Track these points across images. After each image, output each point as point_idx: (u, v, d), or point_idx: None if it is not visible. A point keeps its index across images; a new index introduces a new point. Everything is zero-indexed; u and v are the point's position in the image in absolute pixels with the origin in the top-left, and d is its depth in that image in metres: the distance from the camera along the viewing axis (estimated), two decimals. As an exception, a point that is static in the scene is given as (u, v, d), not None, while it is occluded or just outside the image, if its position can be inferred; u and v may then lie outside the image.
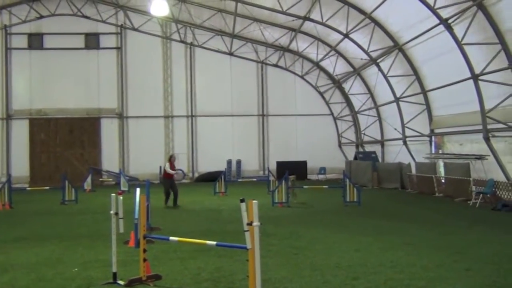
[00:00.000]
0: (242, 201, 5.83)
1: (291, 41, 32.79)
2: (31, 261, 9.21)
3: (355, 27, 25.62)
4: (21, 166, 33.87)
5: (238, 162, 35.50)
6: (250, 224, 5.83)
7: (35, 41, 34.75)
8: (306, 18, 27.81)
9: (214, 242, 6.93)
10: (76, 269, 8.46)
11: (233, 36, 34.24)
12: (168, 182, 19.01)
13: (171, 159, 19.57)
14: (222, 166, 33.40)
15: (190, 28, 34.93)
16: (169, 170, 18.94)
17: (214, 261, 8.89)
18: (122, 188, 25.45)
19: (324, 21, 26.94)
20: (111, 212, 7.72)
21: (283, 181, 18.71)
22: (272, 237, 11.21)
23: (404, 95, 25.72)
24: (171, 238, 7.52)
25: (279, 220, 14.37)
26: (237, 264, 8.48)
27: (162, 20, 34.69)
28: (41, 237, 12.08)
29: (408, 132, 26.15)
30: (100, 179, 32.81)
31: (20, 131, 34.36)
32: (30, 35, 34.71)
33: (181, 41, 35.59)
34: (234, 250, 8.86)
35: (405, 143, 26.51)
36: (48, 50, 34.69)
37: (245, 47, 35.26)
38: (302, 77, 35.99)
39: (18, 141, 34.27)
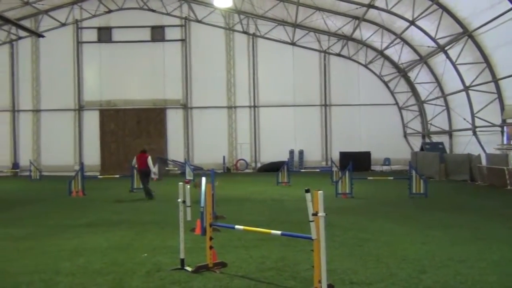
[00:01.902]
0: (307, 191, 5.84)
1: (354, 30, 32.22)
2: (103, 246, 9.64)
3: (422, 13, 24.82)
4: (92, 155, 35.47)
5: (301, 153, 35.44)
6: (315, 214, 5.83)
7: (104, 35, 36.11)
8: (370, 6, 27.22)
9: (279, 232, 6.99)
10: (145, 254, 8.77)
11: (295, 25, 34.08)
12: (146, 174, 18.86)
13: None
14: (284, 157, 33.46)
15: (253, 18, 35.07)
16: (149, 163, 18.80)
17: (278, 250, 8.96)
18: (187, 177, 26.04)
19: (389, 8, 26.28)
20: (179, 200, 7.93)
21: (347, 172, 18.53)
22: (337, 228, 11.14)
23: (474, 83, 24.68)
24: (237, 226, 7.64)
25: (343, 211, 14.25)
26: (301, 254, 8.51)
27: (225, 11, 35.03)
28: (112, 223, 12.62)
29: (478, 122, 25.10)
30: (166, 168, 33.72)
31: (91, 122, 35.98)
32: (99, 29, 36.10)
33: (244, 32, 35.82)
34: (298, 240, 8.90)
35: (474, 133, 25.47)
36: (116, 43, 35.95)
37: (308, 36, 35.01)
38: (365, 66, 35.30)
39: (90, 131, 35.89)
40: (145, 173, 18.96)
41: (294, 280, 7.08)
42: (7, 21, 28.91)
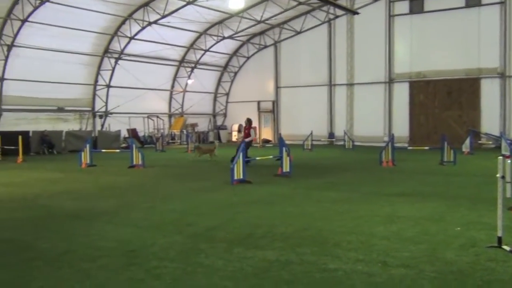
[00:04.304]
0: None
1: None
2: (415, 215, 9.86)
3: None
4: (401, 127, 35.94)
5: None
6: None
7: (416, 6, 35.69)
8: None
9: None
10: (458, 228, 8.64)
11: None
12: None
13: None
14: None
15: None
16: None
17: None
18: (503, 152, 24.08)
19: None
20: (498, 175, 7.51)
21: None
22: None
23: None
24: None
25: None
26: None
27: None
28: (422, 194, 12.74)
29: None
30: (479, 142, 31.81)
31: (401, 94, 36.36)
32: (411, 1, 35.82)
33: None
34: None
35: None
36: (428, 13, 35.11)
37: None
38: None
39: (399, 103, 36.37)
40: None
41: None
42: (327, 2, 31.46)
